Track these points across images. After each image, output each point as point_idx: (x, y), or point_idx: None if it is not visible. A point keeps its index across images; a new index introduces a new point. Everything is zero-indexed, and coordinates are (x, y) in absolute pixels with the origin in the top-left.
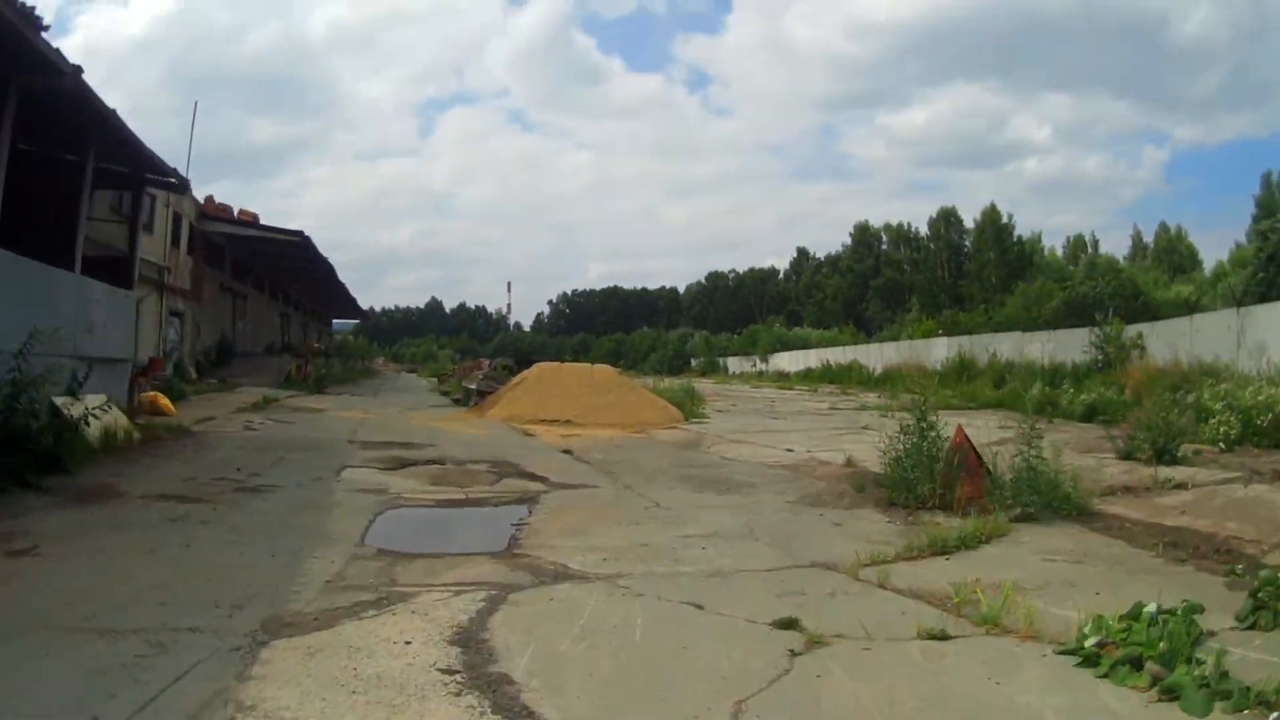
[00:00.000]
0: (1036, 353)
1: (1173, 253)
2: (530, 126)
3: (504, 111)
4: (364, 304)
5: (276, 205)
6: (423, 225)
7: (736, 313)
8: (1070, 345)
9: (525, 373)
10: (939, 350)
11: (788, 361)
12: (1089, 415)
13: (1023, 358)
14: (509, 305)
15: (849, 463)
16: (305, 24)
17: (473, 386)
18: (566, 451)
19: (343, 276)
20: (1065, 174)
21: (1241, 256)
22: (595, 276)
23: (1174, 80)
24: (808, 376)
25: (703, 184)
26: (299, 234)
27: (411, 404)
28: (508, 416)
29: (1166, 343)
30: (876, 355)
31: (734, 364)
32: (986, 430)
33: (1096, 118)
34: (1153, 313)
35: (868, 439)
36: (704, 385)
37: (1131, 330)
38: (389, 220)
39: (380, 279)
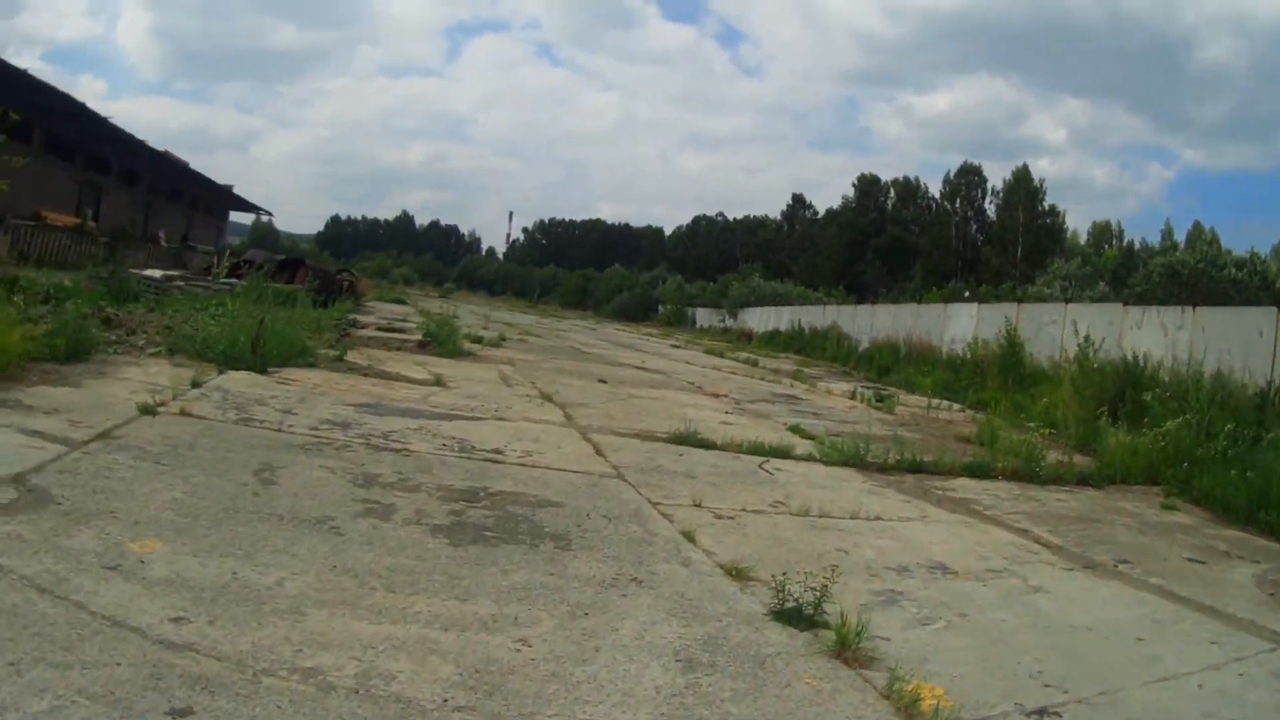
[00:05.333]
0: (1155, 341)
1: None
2: (558, 62)
3: (533, 44)
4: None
5: (290, 112)
6: (436, 148)
7: (718, 260)
8: (1230, 335)
9: None
10: (961, 323)
11: (758, 319)
12: None
13: (1127, 348)
14: (508, 235)
15: None
16: None
17: None
18: None
19: (350, 189)
20: (1074, 178)
21: None
22: (605, 216)
23: (1187, 103)
24: (773, 340)
25: (722, 139)
26: None
27: None
28: None
29: None
30: (865, 322)
31: (703, 316)
32: None
33: (1109, 127)
34: None
35: None
36: (604, 337)
37: None
38: (401, 138)
39: (386, 195)
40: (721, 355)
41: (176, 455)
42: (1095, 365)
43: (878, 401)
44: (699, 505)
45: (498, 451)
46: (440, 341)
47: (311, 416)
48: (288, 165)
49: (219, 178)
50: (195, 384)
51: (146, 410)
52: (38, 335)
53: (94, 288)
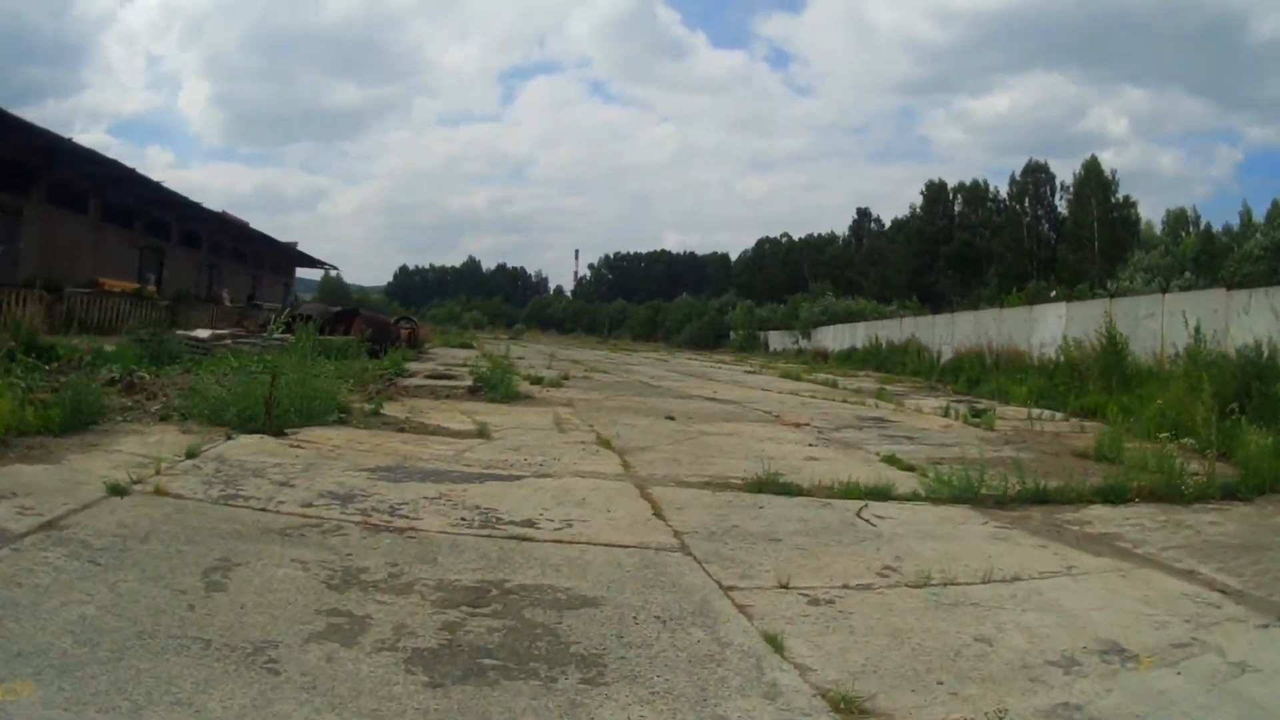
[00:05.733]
0: (1268, 326)
1: None
2: (612, 97)
3: (586, 82)
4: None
5: (354, 168)
6: (500, 191)
7: (786, 281)
8: None
9: None
10: (1049, 325)
11: (832, 338)
12: None
13: (1236, 337)
14: (576, 272)
15: None
16: None
17: None
18: None
19: (419, 238)
20: (1141, 168)
21: None
22: (671, 246)
23: (1247, 81)
24: (849, 358)
25: (782, 160)
26: None
27: None
28: None
29: None
30: (945, 332)
31: (775, 339)
32: None
33: (1171, 113)
34: None
35: None
36: (674, 369)
37: None
38: (466, 185)
39: (456, 242)
40: (798, 378)
41: (122, 550)
42: (1210, 358)
43: (974, 417)
44: (786, 586)
45: (529, 523)
46: (493, 386)
47: (311, 489)
48: (356, 220)
49: (290, 236)
50: (191, 454)
51: (115, 490)
52: (39, 402)
53: (132, 348)
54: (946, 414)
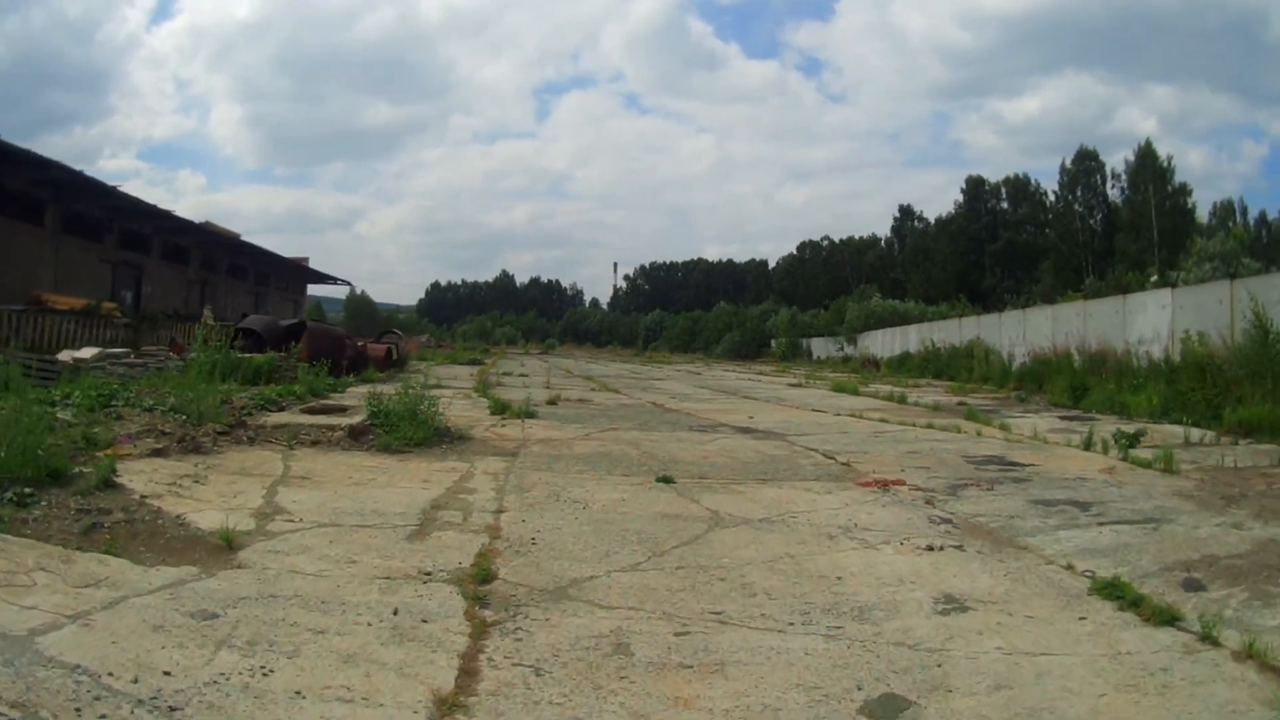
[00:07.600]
0: None
1: None
2: (647, 110)
3: (621, 96)
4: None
5: (389, 187)
6: (538, 207)
7: (828, 286)
8: None
9: None
10: (1149, 317)
11: (881, 344)
12: None
13: None
14: (615, 285)
15: None
16: (419, 8)
17: None
18: None
19: (458, 256)
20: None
21: None
22: (710, 258)
23: (1271, 75)
24: (903, 365)
25: (820, 169)
26: None
27: None
28: None
29: None
30: (1015, 332)
31: (819, 346)
32: None
33: (1197, 110)
34: None
35: None
36: (706, 384)
37: None
38: (503, 201)
39: (496, 258)
40: (854, 392)
41: None
42: None
43: (1128, 446)
44: None
45: None
46: (391, 426)
47: None
48: (393, 238)
49: (326, 256)
50: None
51: None
52: None
53: None
54: (1089, 446)
